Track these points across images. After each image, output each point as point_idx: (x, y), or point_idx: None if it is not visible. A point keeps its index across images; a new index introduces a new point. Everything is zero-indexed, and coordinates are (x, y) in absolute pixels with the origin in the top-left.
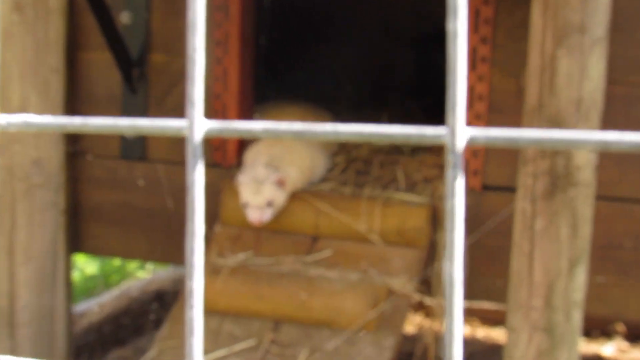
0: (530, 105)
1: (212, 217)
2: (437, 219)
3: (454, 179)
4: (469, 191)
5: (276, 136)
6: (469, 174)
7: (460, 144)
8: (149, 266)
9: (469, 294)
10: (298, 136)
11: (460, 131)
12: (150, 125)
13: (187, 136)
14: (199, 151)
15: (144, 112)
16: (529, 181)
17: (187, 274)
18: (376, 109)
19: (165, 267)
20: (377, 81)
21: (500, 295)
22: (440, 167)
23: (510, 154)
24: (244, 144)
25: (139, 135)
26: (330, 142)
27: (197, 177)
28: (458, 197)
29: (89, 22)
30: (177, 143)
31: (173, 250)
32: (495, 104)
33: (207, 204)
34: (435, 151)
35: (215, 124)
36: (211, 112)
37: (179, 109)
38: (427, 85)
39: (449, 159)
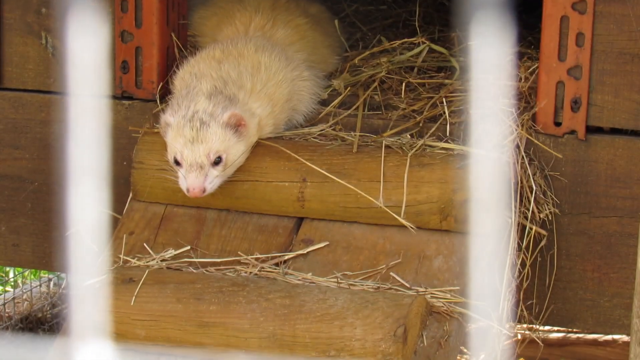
0: None
1: (121, 186)
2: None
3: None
4: (565, 137)
5: None
6: (563, 105)
7: None
8: (3, 275)
9: (564, 318)
10: None
11: None
12: None
13: None
14: None
15: None
16: None
17: (71, 291)
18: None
19: (33, 276)
20: None
21: (617, 318)
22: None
23: (637, 71)
24: (173, 60)
25: None
26: (325, 49)
27: None
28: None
29: None
30: (57, 60)
31: (47, 247)
32: None
33: (113, 165)
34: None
35: None
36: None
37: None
38: None
39: None
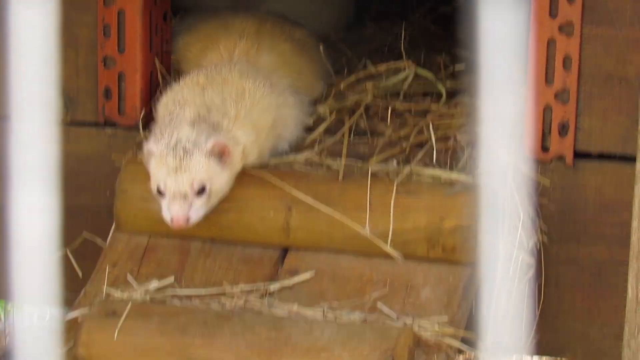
0: None
1: (104, 217)
2: None
3: None
4: (553, 163)
5: None
6: (551, 130)
7: None
8: None
9: (553, 348)
10: None
11: None
12: None
13: None
14: None
15: None
16: None
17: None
18: (389, 23)
19: None
20: None
21: (608, 348)
22: None
23: (625, 95)
24: (156, 86)
25: None
26: (310, 75)
27: None
28: None
29: None
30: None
31: None
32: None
33: (95, 195)
34: None
35: None
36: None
37: None
38: None
39: None
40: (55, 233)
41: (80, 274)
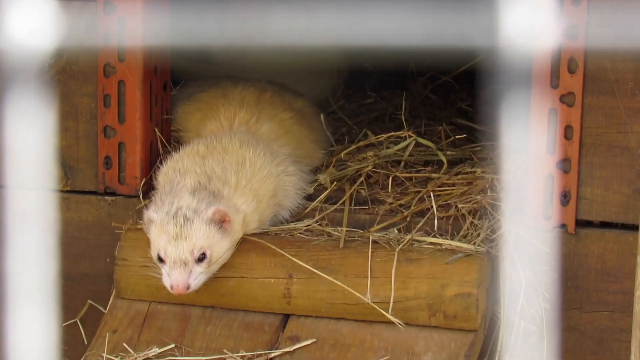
0: None
1: (104, 284)
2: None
3: None
4: (555, 231)
5: None
6: (553, 199)
7: None
8: None
9: None
10: None
11: None
12: None
13: None
14: None
15: None
16: None
17: None
18: (391, 93)
19: None
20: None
21: None
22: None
23: (627, 164)
24: (157, 155)
25: None
26: (311, 144)
27: None
28: None
29: None
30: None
31: None
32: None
33: (95, 262)
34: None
35: None
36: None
37: None
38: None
39: None
40: (55, 301)
41: (85, 341)
